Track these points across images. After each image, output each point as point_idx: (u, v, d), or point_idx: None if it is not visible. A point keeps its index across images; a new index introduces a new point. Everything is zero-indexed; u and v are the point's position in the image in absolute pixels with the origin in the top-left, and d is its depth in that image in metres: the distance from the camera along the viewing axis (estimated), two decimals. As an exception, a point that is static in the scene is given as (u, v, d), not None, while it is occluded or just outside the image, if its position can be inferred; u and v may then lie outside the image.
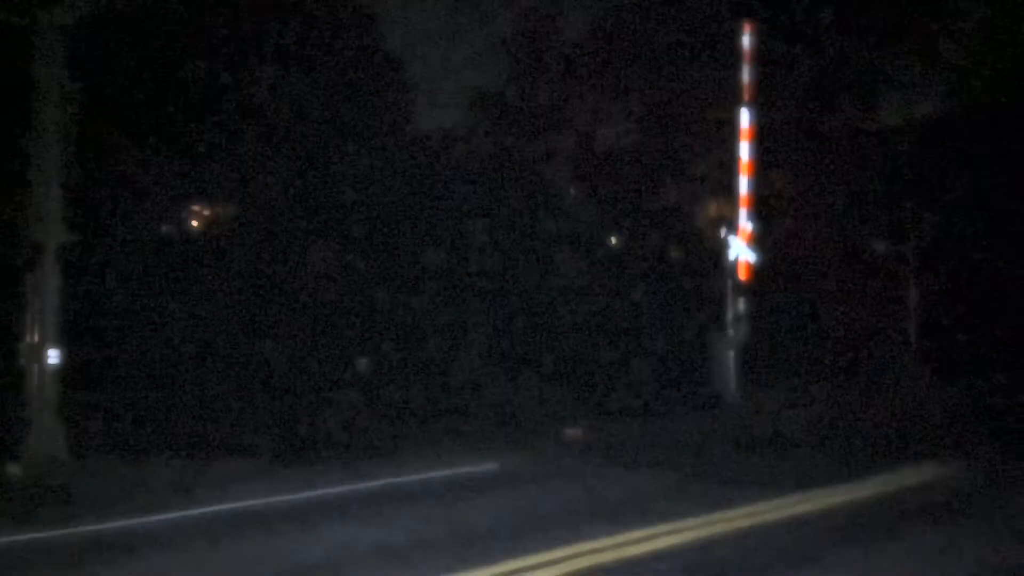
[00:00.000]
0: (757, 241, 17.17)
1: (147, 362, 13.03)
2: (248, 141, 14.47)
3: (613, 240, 19.16)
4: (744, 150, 17.29)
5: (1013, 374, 17.44)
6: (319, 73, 15.46)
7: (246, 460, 11.38)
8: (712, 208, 19.00)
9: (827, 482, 9.99)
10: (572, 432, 13.95)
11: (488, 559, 7.07)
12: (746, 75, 17.23)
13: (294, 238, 14.93)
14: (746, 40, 17.25)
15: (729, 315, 17.14)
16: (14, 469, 10.31)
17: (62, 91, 10.78)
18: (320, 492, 9.67)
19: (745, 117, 17.24)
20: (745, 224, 17.14)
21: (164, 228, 14.53)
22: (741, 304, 17.10)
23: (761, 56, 17.30)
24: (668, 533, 7.89)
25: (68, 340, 10.87)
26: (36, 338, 10.65)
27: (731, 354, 17.03)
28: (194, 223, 15.17)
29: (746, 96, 17.22)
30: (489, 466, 11.27)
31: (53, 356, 10.66)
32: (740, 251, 17.06)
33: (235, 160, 14.52)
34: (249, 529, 8.28)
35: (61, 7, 10.63)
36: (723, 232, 17.51)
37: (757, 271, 17.18)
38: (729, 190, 17.56)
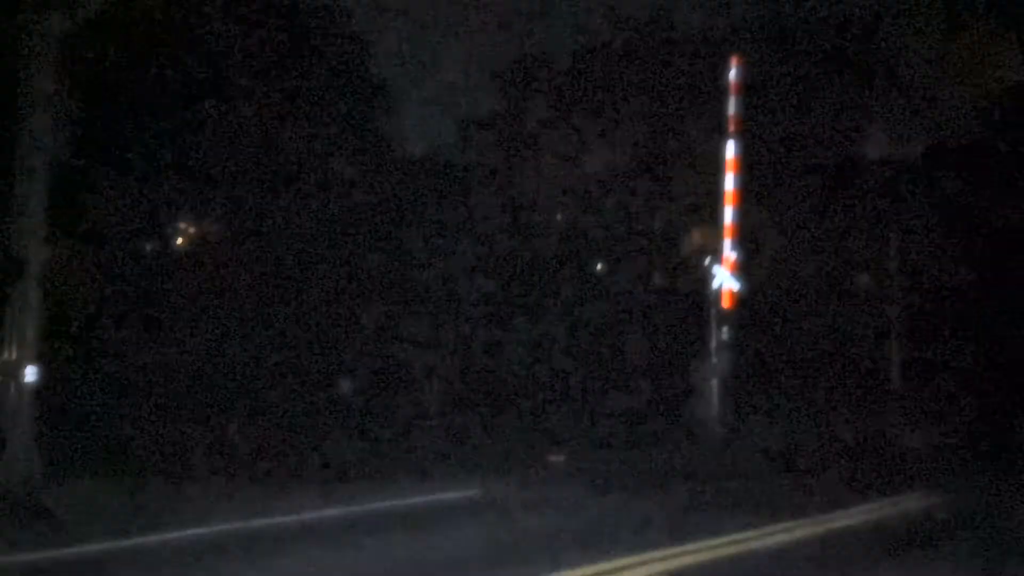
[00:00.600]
0: (741, 270, 17.28)
1: (127, 381, 12.86)
2: (234, 161, 14.44)
3: (599, 267, 19.22)
4: (729, 181, 17.47)
5: (997, 405, 17.57)
6: (307, 95, 15.51)
7: (225, 483, 11.21)
8: (697, 236, 19.13)
9: (813, 511, 9.98)
10: (555, 459, 13.88)
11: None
12: (732, 107, 17.46)
13: (278, 258, 14.87)
14: (732, 73, 17.50)
15: (712, 343, 17.19)
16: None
17: (50, 102, 10.70)
18: (299, 517, 9.53)
19: (730, 148, 17.43)
20: (729, 253, 17.26)
21: (149, 245, 14.43)
22: (724, 332, 17.16)
23: (747, 89, 17.55)
24: (652, 561, 7.81)
25: (47, 357, 10.70)
26: (13, 355, 10.47)
27: (714, 382, 17.05)
28: (179, 241, 15.08)
29: (732, 128, 17.44)
30: (471, 492, 11.16)
31: (31, 373, 10.48)
32: (724, 280, 17.16)
33: (221, 179, 14.49)
34: (225, 554, 8.13)
35: (53, 17, 10.58)
36: (707, 261, 17.61)
37: (741, 300, 17.27)
38: (714, 219, 17.70)
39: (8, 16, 10.45)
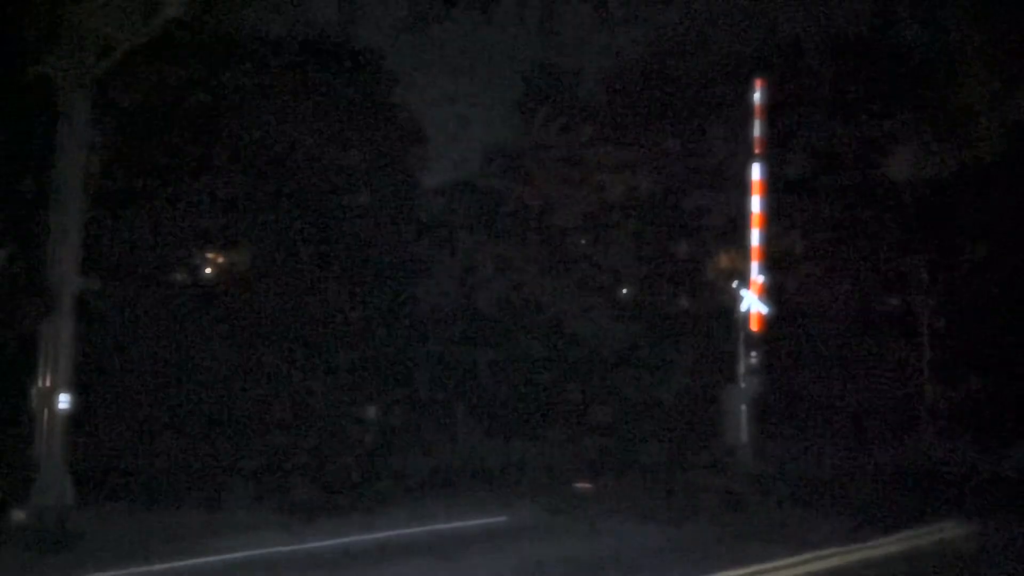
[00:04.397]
0: (769, 294, 17.11)
1: (159, 409, 13.00)
2: (263, 191, 14.65)
3: (624, 291, 19.15)
4: (756, 203, 17.37)
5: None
6: (335, 127, 15.72)
7: (254, 510, 11.27)
8: (724, 260, 19.00)
9: (844, 540, 9.78)
10: (583, 485, 13.78)
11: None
12: (758, 130, 17.40)
13: (305, 287, 15.00)
14: (757, 96, 17.46)
15: (741, 367, 16.99)
16: (19, 515, 10.21)
17: (83, 141, 10.97)
18: (327, 542, 9.54)
19: (757, 171, 17.35)
20: (757, 276, 17.11)
21: (177, 275, 14.64)
22: (753, 356, 16.96)
23: (773, 112, 17.49)
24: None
25: (80, 386, 10.86)
26: (48, 383, 10.65)
27: (744, 407, 16.83)
28: (207, 270, 15.28)
29: (758, 150, 17.37)
30: (499, 518, 11.11)
31: (64, 401, 10.64)
32: (752, 303, 16.99)
33: (249, 209, 14.69)
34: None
35: (87, 58, 10.86)
36: (735, 284, 17.47)
37: (769, 323, 17.09)
38: (741, 242, 17.58)
39: (44, 56, 10.76)
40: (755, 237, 17.25)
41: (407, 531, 10.25)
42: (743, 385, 16.92)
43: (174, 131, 13.58)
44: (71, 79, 10.80)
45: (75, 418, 10.71)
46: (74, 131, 10.92)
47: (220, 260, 15.29)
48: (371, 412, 14.87)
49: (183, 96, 13.48)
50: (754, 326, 16.99)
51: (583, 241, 18.99)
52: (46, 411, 10.60)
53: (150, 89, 12.86)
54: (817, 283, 19.57)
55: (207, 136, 13.97)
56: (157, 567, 8.42)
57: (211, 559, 8.70)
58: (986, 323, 19.07)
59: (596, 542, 9.92)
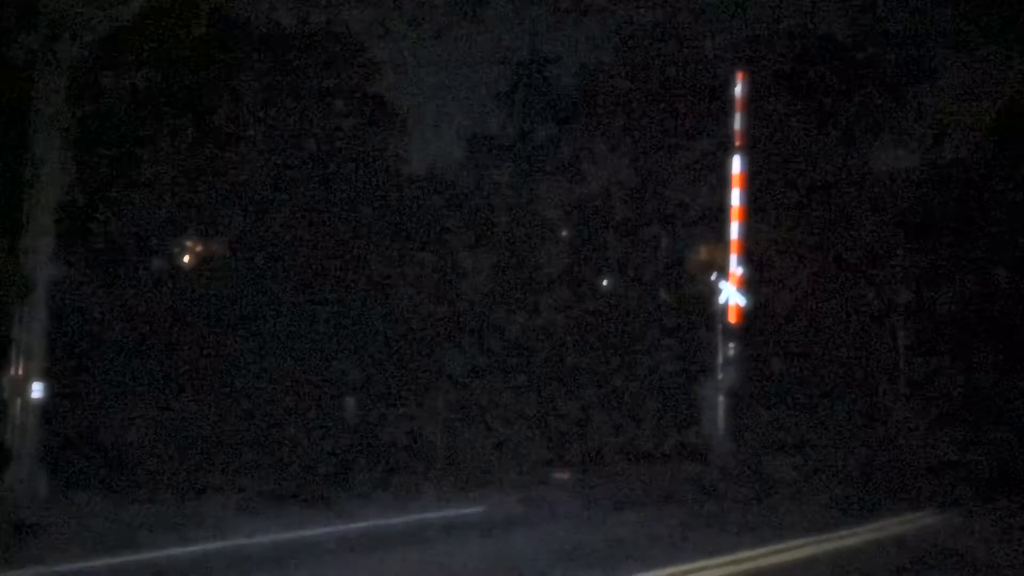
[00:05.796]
0: (747, 286, 17.24)
1: (133, 397, 12.91)
2: (242, 179, 14.53)
3: (604, 283, 19.22)
4: (735, 196, 17.46)
5: (1004, 422, 17.41)
6: (314, 114, 15.62)
7: (230, 499, 11.22)
8: (703, 252, 19.11)
9: (820, 530, 9.90)
10: (560, 475, 13.86)
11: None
12: (738, 122, 17.48)
13: (283, 276, 14.93)
14: (739, 88, 17.54)
15: (719, 359, 17.13)
16: (-9, 505, 10.12)
17: (60, 125, 10.82)
18: (304, 533, 9.52)
19: (737, 163, 17.44)
20: (735, 268, 17.22)
21: (156, 263, 14.52)
22: (731, 348, 17.11)
23: (753, 105, 17.58)
24: (655, 581, 7.77)
25: (53, 374, 10.76)
26: (20, 371, 10.54)
27: (720, 398, 16.98)
28: (186, 258, 15.16)
29: (738, 143, 17.45)
30: (476, 508, 11.15)
31: (37, 390, 10.54)
32: (730, 295, 17.12)
33: (229, 197, 14.58)
34: (229, 570, 8.12)
35: (63, 43, 10.70)
36: (714, 276, 17.58)
37: (747, 315, 17.22)
38: (720, 235, 17.68)
39: (19, 39, 10.57)
40: (735, 230, 17.38)
41: (384, 522, 10.26)
42: (720, 376, 17.06)
43: (152, 117, 13.43)
44: (46, 62, 10.64)
45: (48, 407, 10.61)
46: (49, 115, 10.77)
47: (199, 248, 15.18)
48: (349, 403, 14.85)
49: (162, 81, 13.33)
50: (732, 318, 17.12)
51: (564, 232, 19.04)
52: (19, 400, 10.50)
53: (128, 74, 12.71)
54: (794, 275, 19.72)
55: (186, 122, 13.83)
56: (130, 558, 8.37)
57: (184, 550, 8.66)
58: (962, 315, 19.33)
59: (572, 532, 9.98)
